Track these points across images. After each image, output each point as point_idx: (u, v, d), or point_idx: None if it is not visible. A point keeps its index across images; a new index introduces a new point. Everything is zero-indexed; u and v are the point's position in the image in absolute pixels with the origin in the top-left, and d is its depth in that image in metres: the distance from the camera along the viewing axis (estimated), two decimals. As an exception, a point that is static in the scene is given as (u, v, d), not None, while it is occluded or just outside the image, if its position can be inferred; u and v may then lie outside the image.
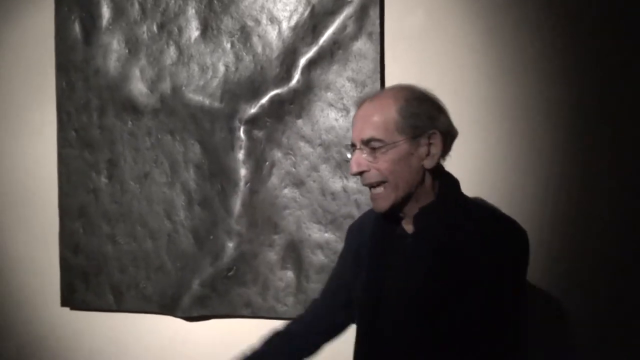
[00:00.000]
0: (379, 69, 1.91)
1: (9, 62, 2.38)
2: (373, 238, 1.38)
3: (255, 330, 2.07)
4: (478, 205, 1.36)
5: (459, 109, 1.84)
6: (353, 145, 1.33)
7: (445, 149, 1.30)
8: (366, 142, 1.28)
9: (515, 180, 1.83)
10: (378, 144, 1.26)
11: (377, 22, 1.90)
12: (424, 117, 1.26)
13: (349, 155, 1.34)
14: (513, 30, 1.83)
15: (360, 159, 1.29)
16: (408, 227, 1.33)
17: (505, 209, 1.39)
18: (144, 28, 2.14)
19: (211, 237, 2.08)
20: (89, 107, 2.20)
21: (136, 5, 2.14)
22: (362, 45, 1.92)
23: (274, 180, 2.02)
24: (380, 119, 1.26)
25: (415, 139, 1.26)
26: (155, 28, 2.13)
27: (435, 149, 1.27)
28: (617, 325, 1.78)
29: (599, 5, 1.77)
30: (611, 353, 1.79)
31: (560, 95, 1.80)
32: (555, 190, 1.81)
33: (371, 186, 1.31)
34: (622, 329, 1.78)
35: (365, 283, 1.36)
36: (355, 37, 1.92)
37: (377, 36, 1.91)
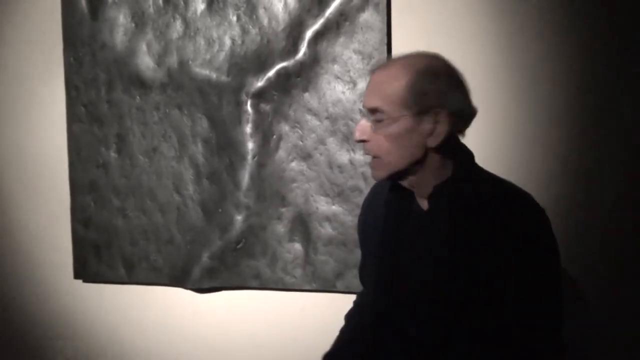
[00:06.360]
0: (385, 41, 1.89)
1: (17, 38, 2.38)
2: (388, 212, 1.34)
3: (263, 302, 2.12)
4: (494, 180, 1.31)
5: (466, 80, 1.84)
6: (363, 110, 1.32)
7: (457, 128, 1.24)
8: (372, 112, 1.25)
9: (522, 150, 1.83)
10: (380, 116, 1.23)
11: (384, -8, 1.88)
12: (433, 93, 1.20)
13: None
14: (524, 2, 1.81)
15: (364, 126, 1.26)
16: (423, 203, 1.31)
17: (513, 179, 1.39)
18: (150, 2, 2.13)
19: (220, 210, 2.10)
20: (97, 82, 2.21)
21: (142, -21, 2.14)
22: (369, 17, 1.90)
23: (282, 153, 2.03)
24: (387, 90, 1.22)
25: (420, 115, 1.21)
26: (160, 1, 2.12)
27: (441, 128, 1.21)
28: (617, 321, 1.79)
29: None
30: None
31: (572, 64, 1.78)
32: (564, 158, 1.81)
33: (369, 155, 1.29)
34: (621, 326, 1.78)
35: (379, 258, 1.34)
36: (361, 8, 1.91)
37: (383, 7, 1.89)
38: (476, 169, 1.31)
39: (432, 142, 1.22)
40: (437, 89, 1.20)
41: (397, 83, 1.21)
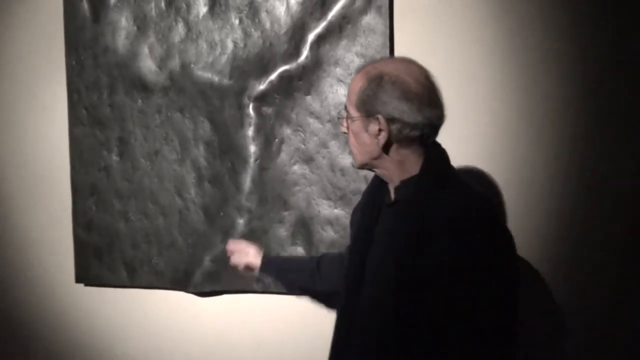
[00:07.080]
0: (388, 44, 1.89)
1: (19, 41, 2.38)
2: (366, 200, 1.47)
3: (265, 305, 2.12)
4: (457, 184, 1.36)
5: (467, 84, 1.84)
6: None
7: (406, 135, 1.31)
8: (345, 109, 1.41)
9: (523, 153, 1.82)
10: (346, 114, 1.40)
11: (386, -5, 1.88)
12: (376, 100, 1.31)
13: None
14: (525, 4, 1.80)
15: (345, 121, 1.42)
16: (393, 194, 1.40)
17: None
18: (152, 5, 2.13)
19: (221, 213, 2.10)
20: (99, 85, 2.21)
21: (144, -18, 2.14)
22: (371, 20, 1.90)
23: (284, 156, 2.03)
24: (350, 92, 1.38)
25: (368, 118, 1.33)
26: (163, 4, 2.12)
27: (383, 133, 1.32)
28: (618, 325, 1.78)
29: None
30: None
31: (574, 64, 1.77)
32: (569, 162, 1.80)
33: None
34: (622, 329, 1.77)
35: (351, 250, 1.45)
36: (364, 11, 1.90)
37: (386, 10, 1.89)
38: (446, 167, 1.38)
39: (380, 143, 1.34)
40: (377, 97, 1.32)
41: (355, 88, 1.36)
